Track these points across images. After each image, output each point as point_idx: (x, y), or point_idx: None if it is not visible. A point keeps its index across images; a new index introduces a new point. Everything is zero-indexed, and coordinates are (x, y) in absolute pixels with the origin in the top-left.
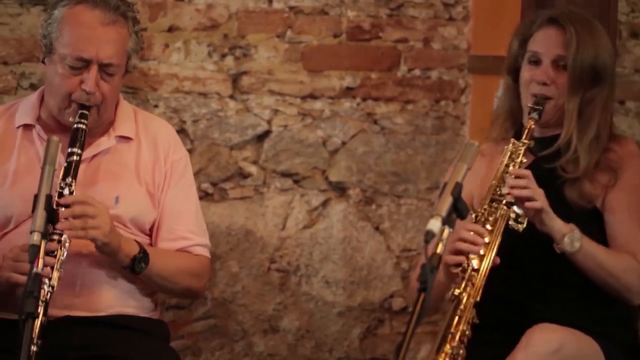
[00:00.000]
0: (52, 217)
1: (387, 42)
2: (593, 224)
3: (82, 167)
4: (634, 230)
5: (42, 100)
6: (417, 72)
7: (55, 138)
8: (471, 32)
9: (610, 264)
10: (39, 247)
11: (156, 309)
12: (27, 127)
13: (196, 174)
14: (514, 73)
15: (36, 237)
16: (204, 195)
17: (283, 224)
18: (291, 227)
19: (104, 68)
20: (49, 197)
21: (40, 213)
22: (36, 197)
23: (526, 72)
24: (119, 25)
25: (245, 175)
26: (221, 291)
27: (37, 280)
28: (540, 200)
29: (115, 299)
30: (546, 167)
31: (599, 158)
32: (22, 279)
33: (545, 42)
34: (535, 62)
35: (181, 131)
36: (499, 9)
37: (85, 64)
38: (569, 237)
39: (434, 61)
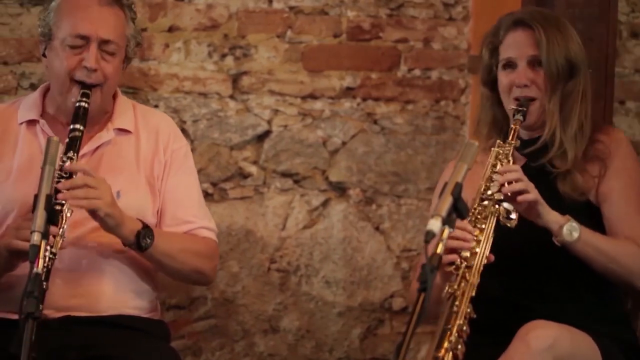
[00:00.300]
0: (52, 217)
1: (387, 42)
2: (587, 217)
3: (84, 160)
4: (632, 215)
5: (44, 96)
6: (417, 72)
7: (55, 138)
8: (471, 32)
9: (610, 250)
10: (39, 247)
11: (156, 309)
12: (30, 123)
13: None
14: (490, 83)
15: (36, 237)
16: (204, 195)
17: (283, 224)
18: (291, 227)
19: (103, 46)
20: (49, 197)
21: (41, 213)
22: (36, 196)
23: (504, 78)
24: (116, 8)
25: (245, 175)
26: (221, 291)
27: (37, 280)
28: (532, 192)
29: (115, 299)
30: (536, 167)
31: (587, 150)
32: (22, 244)
33: (517, 45)
34: (511, 66)
35: (181, 131)
36: (499, 9)
37: (85, 41)
38: (567, 227)
39: (434, 61)
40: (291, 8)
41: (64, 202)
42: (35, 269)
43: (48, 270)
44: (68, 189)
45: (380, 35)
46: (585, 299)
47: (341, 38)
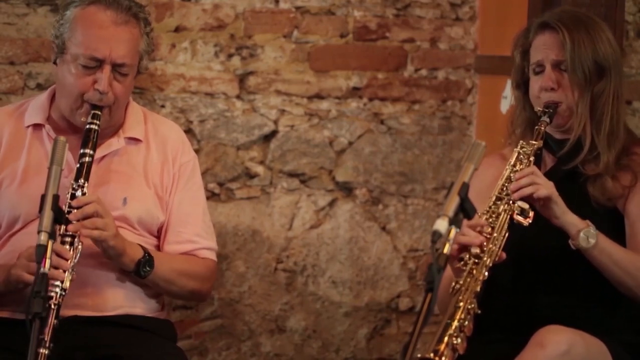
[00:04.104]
0: (59, 217)
1: (393, 42)
2: (613, 224)
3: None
4: None
5: (52, 100)
6: (423, 72)
7: (62, 138)
8: (478, 32)
9: (625, 262)
10: (46, 247)
11: (163, 308)
12: (36, 126)
13: (203, 174)
14: (523, 86)
15: (43, 237)
16: (211, 196)
17: (290, 224)
18: (298, 227)
19: (117, 68)
20: (56, 197)
21: (48, 213)
22: (43, 197)
23: (534, 84)
24: (131, 26)
25: (252, 175)
26: (228, 291)
27: (44, 280)
28: (544, 190)
29: (122, 298)
30: (567, 170)
31: (622, 159)
32: (29, 278)
33: (543, 49)
34: (541, 72)
35: (188, 131)
36: (505, 9)
37: (98, 63)
38: (584, 232)
39: (440, 61)
40: (298, 8)
41: (74, 234)
42: (42, 269)
43: (58, 306)
44: (79, 220)
45: (387, 35)
46: (598, 304)
47: (348, 38)
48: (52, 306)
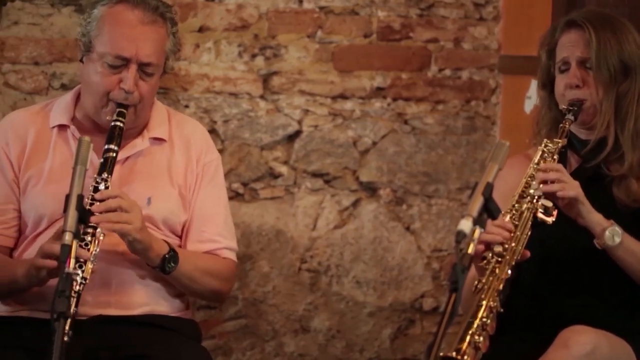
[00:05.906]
0: (83, 217)
1: (417, 42)
2: (638, 224)
3: (115, 168)
4: None
5: (77, 100)
6: (447, 72)
7: (86, 138)
8: (502, 32)
9: None
10: (70, 246)
11: (188, 308)
12: (61, 127)
13: (227, 174)
14: (549, 85)
15: (68, 237)
16: (235, 196)
17: (314, 224)
18: (322, 227)
19: (143, 67)
20: (80, 197)
21: (72, 213)
22: (68, 196)
23: (560, 82)
24: (158, 25)
25: (275, 176)
26: (252, 291)
27: (68, 279)
28: (572, 190)
29: (147, 297)
30: (591, 169)
31: None
32: (48, 262)
33: (569, 46)
34: (566, 70)
35: (212, 131)
36: (529, 8)
37: (125, 62)
38: (610, 231)
39: (464, 61)
40: (321, 8)
41: (96, 225)
42: (66, 269)
43: (78, 295)
44: (102, 212)
45: (411, 35)
46: (623, 304)
47: (371, 38)
48: (73, 294)
